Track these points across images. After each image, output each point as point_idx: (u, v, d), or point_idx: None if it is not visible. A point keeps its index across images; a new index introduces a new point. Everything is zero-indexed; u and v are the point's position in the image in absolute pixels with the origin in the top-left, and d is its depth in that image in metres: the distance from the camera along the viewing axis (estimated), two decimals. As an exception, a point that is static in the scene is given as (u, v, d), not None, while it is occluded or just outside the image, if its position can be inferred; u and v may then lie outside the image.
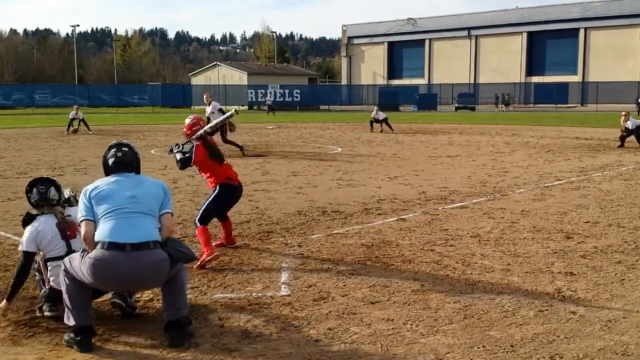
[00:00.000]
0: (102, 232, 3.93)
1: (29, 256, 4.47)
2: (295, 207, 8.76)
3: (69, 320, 3.98)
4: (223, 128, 15.95)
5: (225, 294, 5.01)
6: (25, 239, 4.47)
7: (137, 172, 4.33)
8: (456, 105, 55.71)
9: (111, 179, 4.17)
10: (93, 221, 4.00)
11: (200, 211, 6.13)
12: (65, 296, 4.02)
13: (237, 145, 16.20)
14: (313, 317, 4.51)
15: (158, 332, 4.13)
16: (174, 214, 4.34)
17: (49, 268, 4.47)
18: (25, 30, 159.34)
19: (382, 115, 25.77)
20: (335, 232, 7.25)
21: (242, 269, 5.71)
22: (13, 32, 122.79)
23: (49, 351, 3.93)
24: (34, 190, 4.65)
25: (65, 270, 4.04)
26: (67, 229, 4.52)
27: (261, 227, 7.48)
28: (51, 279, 4.45)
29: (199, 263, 5.74)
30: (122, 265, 3.86)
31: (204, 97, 16.73)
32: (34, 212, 4.65)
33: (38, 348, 3.97)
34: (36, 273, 4.65)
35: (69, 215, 4.60)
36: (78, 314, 3.96)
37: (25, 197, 4.73)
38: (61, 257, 4.27)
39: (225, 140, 16.11)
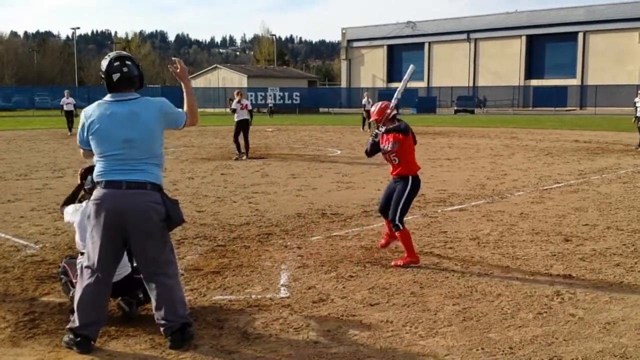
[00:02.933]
0: (99, 173, 3.98)
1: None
2: (294, 209, 8.77)
3: (73, 322, 3.96)
4: (247, 126, 15.81)
5: (224, 296, 5.02)
6: (71, 211, 4.66)
7: (140, 86, 4.14)
8: (455, 108, 55.72)
9: (108, 109, 3.96)
10: (89, 150, 4.07)
11: (399, 209, 5.91)
12: (76, 302, 3.98)
13: (240, 149, 15.92)
14: (312, 319, 4.52)
15: (158, 334, 4.13)
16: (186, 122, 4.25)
17: None
18: (25, 33, 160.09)
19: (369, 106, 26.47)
20: (334, 234, 7.26)
21: (242, 271, 5.71)
22: (13, 34, 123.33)
23: (48, 352, 3.93)
24: (89, 177, 4.69)
25: (81, 270, 4.01)
26: None
27: (261, 229, 7.48)
28: None
29: (400, 263, 5.86)
30: (119, 200, 3.89)
31: (235, 92, 16.48)
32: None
33: (38, 349, 3.97)
34: (62, 276, 4.73)
35: None
36: (87, 324, 3.92)
37: (79, 183, 4.78)
38: None
39: (243, 140, 15.81)
